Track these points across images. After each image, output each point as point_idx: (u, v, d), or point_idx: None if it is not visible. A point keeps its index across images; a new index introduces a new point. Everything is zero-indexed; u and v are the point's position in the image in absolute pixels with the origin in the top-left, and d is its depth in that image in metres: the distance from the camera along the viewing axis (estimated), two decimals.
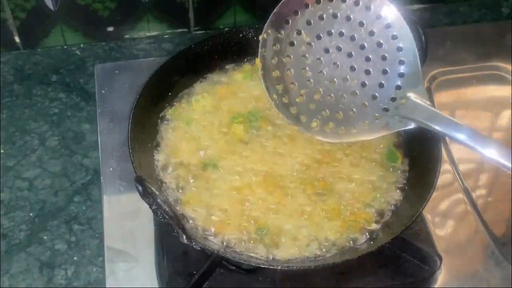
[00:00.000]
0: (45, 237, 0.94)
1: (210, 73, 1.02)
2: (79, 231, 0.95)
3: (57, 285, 0.89)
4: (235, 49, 1.03)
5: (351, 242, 0.84)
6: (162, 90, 0.98)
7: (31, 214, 0.97)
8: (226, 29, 1.25)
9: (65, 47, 1.22)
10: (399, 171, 0.92)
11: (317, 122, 0.86)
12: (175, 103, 0.99)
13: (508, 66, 1.19)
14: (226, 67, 1.03)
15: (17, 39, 1.19)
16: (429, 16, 1.31)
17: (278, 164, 0.91)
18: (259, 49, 0.88)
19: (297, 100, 0.88)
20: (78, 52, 1.22)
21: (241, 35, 1.02)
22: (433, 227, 0.95)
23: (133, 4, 1.19)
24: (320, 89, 0.86)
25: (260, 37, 0.88)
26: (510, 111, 1.15)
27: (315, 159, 0.91)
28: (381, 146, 0.94)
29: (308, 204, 0.87)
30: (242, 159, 0.91)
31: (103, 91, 1.13)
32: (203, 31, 1.26)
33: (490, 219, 0.97)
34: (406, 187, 0.90)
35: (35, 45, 1.21)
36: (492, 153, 0.73)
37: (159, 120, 0.97)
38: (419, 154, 0.91)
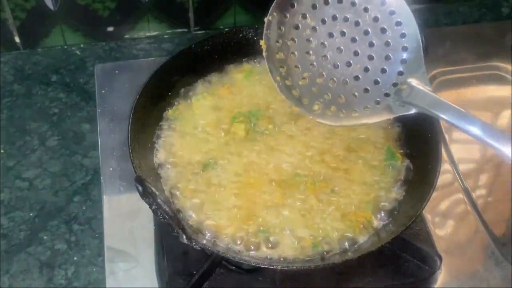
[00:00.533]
0: (45, 237, 0.94)
1: (210, 73, 1.02)
2: (79, 231, 0.95)
3: (57, 285, 0.89)
4: (235, 49, 1.03)
5: (351, 242, 0.84)
6: (162, 90, 0.98)
7: (31, 214, 0.97)
8: (226, 29, 1.25)
9: (65, 47, 1.22)
10: (399, 171, 0.92)
11: (319, 105, 0.86)
12: (175, 103, 0.99)
13: (508, 66, 1.19)
14: (226, 67, 1.03)
15: (17, 39, 1.19)
16: (429, 16, 1.30)
17: (279, 163, 0.91)
18: (264, 31, 0.87)
19: (300, 83, 0.87)
20: (78, 52, 1.22)
21: (241, 35, 1.02)
22: (433, 227, 0.95)
23: (133, 4, 1.19)
24: (323, 73, 0.86)
25: (265, 19, 0.87)
26: (510, 111, 1.15)
27: (316, 159, 0.91)
28: (382, 146, 0.94)
29: (308, 204, 0.87)
30: (242, 159, 0.91)
31: (103, 91, 1.13)
32: (203, 31, 1.26)
33: (490, 219, 0.97)
34: (406, 187, 0.90)
35: (35, 45, 1.21)
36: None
37: (159, 120, 0.97)
38: (419, 154, 0.91)
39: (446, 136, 1.06)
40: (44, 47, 1.21)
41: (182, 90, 1.00)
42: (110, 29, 1.22)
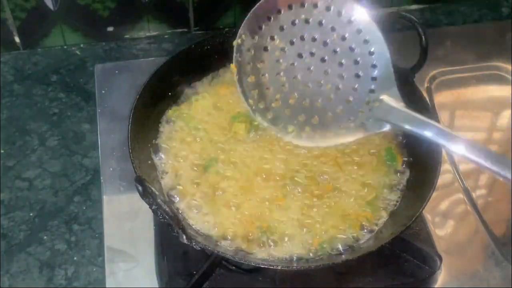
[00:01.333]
0: (45, 237, 0.94)
1: (210, 73, 1.02)
2: (79, 231, 0.95)
3: (57, 285, 0.89)
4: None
5: (351, 241, 0.84)
6: (162, 90, 0.98)
7: (31, 214, 0.97)
8: (226, 29, 1.25)
9: (65, 47, 1.22)
10: (399, 171, 0.92)
11: (293, 127, 0.87)
12: (175, 103, 0.99)
13: (508, 66, 1.19)
14: (226, 66, 1.03)
15: (17, 39, 1.19)
16: (429, 16, 1.31)
17: (279, 163, 0.91)
18: (234, 54, 0.88)
19: (273, 105, 0.88)
20: (78, 52, 1.22)
21: None
22: (433, 227, 0.95)
23: (133, 4, 1.19)
24: (295, 94, 0.86)
25: (235, 43, 0.88)
26: (510, 111, 1.15)
27: (316, 159, 0.91)
28: (381, 146, 0.94)
29: (309, 204, 0.87)
30: (243, 159, 0.91)
31: (103, 91, 1.13)
32: (203, 31, 1.26)
33: (490, 219, 0.97)
34: (406, 187, 0.90)
35: (35, 45, 1.21)
36: (460, 149, 0.72)
37: (159, 120, 0.97)
38: (419, 154, 0.91)
39: None
40: (44, 47, 1.21)
41: (182, 90, 1.00)
42: (110, 29, 1.21)
